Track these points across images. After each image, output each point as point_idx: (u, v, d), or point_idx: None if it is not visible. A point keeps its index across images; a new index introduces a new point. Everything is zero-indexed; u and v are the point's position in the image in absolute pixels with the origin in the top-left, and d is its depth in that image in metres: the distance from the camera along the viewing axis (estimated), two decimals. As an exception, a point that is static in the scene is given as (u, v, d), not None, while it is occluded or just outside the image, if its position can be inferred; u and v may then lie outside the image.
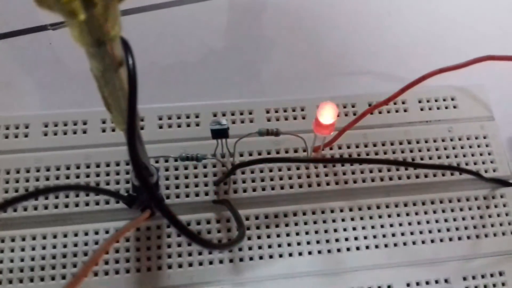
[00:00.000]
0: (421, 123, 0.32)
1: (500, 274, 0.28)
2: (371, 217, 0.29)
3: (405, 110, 0.32)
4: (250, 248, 0.28)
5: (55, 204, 0.28)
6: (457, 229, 0.29)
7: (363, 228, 0.29)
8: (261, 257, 0.28)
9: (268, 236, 0.28)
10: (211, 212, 0.29)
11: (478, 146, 0.32)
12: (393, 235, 0.29)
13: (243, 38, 0.37)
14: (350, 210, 0.29)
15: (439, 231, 0.29)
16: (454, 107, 0.33)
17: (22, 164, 0.29)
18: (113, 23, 0.15)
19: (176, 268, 0.27)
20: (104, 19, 0.14)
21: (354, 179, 0.30)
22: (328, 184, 0.30)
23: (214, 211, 0.29)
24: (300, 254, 0.28)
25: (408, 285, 0.28)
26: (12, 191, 0.28)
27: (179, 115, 0.31)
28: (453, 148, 0.31)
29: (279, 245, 0.28)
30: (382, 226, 0.29)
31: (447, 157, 0.31)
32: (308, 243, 0.28)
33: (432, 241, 0.29)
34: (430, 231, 0.29)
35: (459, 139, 0.32)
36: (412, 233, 0.29)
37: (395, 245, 0.29)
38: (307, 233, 0.29)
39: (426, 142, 0.31)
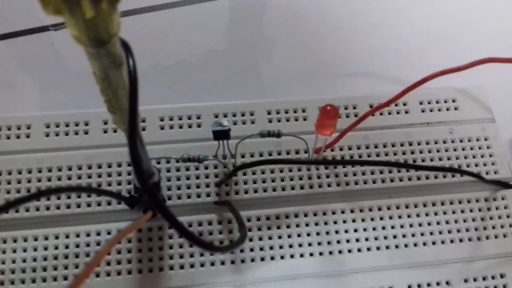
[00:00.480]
0: (422, 125, 0.32)
1: (502, 276, 0.28)
2: (372, 219, 0.29)
3: (406, 112, 0.32)
4: (251, 250, 0.28)
5: (57, 205, 0.28)
6: (458, 231, 0.29)
7: (365, 229, 0.29)
8: (262, 259, 0.28)
9: (270, 238, 0.28)
10: (213, 213, 0.29)
11: (479, 148, 0.32)
12: (395, 236, 0.29)
13: (244, 39, 0.37)
14: (352, 211, 0.29)
15: (440, 233, 0.29)
16: (455, 109, 0.33)
17: (24, 165, 0.29)
18: (111, 23, 0.15)
19: (178, 270, 0.27)
20: (106, 18, 0.14)
21: (355, 181, 0.30)
22: (329, 185, 0.30)
23: (215, 212, 0.29)
24: (301, 255, 0.28)
25: (409, 287, 0.28)
26: (14, 192, 0.28)
27: (180, 116, 0.31)
28: (454, 150, 0.31)
29: (281, 247, 0.28)
30: (383, 228, 0.29)
31: (448, 158, 0.31)
32: (310, 244, 0.28)
33: (434, 243, 0.29)
34: (431, 233, 0.29)
35: (460, 141, 0.32)
36: (413, 235, 0.29)
37: (397, 246, 0.29)
38: (308, 234, 0.29)
39: (427, 143, 0.31)
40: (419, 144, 0.31)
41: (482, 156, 0.31)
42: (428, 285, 0.28)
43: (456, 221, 0.30)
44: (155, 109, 0.31)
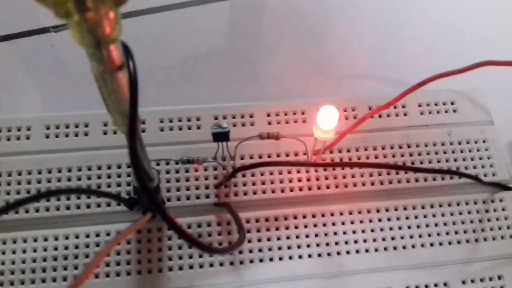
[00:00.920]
0: (421, 127, 0.32)
1: (499, 278, 0.29)
2: (370, 221, 0.29)
3: (405, 114, 0.33)
4: (250, 251, 0.28)
5: (56, 206, 0.28)
6: (456, 232, 0.30)
7: (363, 231, 0.29)
8: (261, 260, 0.28)
9: (269, 239, 0.28)
10: (212, 214, 0.29)
11: (478, 150, 0.32)
12: (393, 238, 0.29)
13: (243, 42, 0.37)
14: (350, 213, 0.29)
15: (438, 234, 0.29)
16: (454, 111, 0.33)
17: (24, 166, 0.29)
18: (111, 26, 0.15)
19: (177, 271, 0.27)
20: (101, 21, 0.14)
21: (354, 183, 0.30)
22: (328, 187, 0.30)
23: (215, 213, 0.29)
24: (300, 257, 0.28)
25: (407, 288, 0.28)
26: (14, 193, 0.28)
27: (180, 118, 0.31)
28: (453, 152, 0.32)
29: (279, 248, 0.28)
30: (381, 230, 0.29)
31: (447, 161, 0.31)
32: (308, 246, 0.28)
33: (432, 244, 0.29)
34: (429, 235, 0.29)
35: (459, 143, 0.32)
36: (411, 237, 0.29)
37: (395, 248, 0.29)
38: (307, 236, 0.29)
39: (425, 146, 0.32)
40: (417, 146, 0.32)
41: (480, 158, 0.32)
42: (426, 286, 0.28)
43: (454, 223, 0.30)
44: (155, 111, 0.31)
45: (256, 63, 0.36)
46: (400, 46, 0.37)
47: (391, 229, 0.29)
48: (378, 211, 0.30)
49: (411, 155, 0.31)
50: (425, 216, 0.30)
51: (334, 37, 0.37)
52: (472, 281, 0.28)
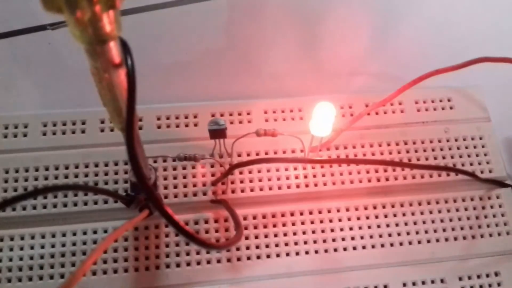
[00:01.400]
0: (418, 124, 0.32)
1: (496, 274, 0.29)
2: (367, 217, 0.29)
3: (401, 111, 0.33)
4: (247, 248, 0.28)
5: (53, 204, 0.28)
6: (453, 229, 0.30)
7: (360, 228, 0.29)
8: (258, 257, 0.28)
9: (266, 236, 0.29)
10: (209, 211, 0.29)
11: (474, 147, 0.32)
12: (390, 235, 0.29)
13: (240, 39, 0.37)
14: (347, 210, 0.30)
15: (435, 231, 0.29)
16: (450, 108, 0.33)
17: (21, 164, 0.29)
18: (109, 24, 0.15)
19: (174, 268, 0.27)
20: (98, 19, 0.14)
21: (351, 180, 0.30)
22: (325, 184, 0.30)
23: (212, 210, 0.29)
24: (297, 253, 0.28)
25: (404, 285, 0.28)
26: (11, 191, 0.28)
27: (177, 115, 0.31)
28: (449, 149, 0.32)
29: (277, 245, 0.28)
30: (378, 226, 0.29)
31: (443, 157, 0.31)
32: (305, 242, 0.29)
33: (428, 241, 0.29)
34: (426, 231, 0.29)
35: (455, 140, 0.32)
36: (408, 233, 0.29)
37: (392, 245, 0.29)
38: (304, 232, 0.29)
39: (422, 142, 0.32)
40: (414, 143, 0.32)
41: (477, 155, 0.32)
42: (423, 283, 0.28)
43: (451, 220, 0.30)
44: (152, 108, 0.31)
45: (253, 60, 0.36)
46: (397, 43, 0.37)
47: (388, 225, 0.29)
48: (375, 207, 0.30)
49: (407, 152, 0.31)
50: (421, 213, 0.30)
51: (331, 34, 0.37)
52: (469, 278, 0.28)
